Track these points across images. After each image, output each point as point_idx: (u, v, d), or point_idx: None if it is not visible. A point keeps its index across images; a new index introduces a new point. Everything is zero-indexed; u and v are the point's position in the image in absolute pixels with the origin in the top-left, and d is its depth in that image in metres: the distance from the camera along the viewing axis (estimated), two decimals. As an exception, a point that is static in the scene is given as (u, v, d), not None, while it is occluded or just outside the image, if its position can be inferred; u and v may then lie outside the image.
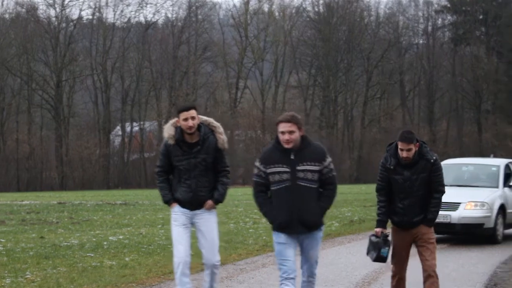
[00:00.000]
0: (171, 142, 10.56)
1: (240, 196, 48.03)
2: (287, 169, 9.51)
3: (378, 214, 10.85)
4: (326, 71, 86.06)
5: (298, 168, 9.49)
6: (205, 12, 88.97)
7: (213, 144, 10.58)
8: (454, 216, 20.06)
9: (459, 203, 20.33)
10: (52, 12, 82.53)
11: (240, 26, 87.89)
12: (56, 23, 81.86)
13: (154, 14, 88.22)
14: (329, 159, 9.74)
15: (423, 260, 10.63)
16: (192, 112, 10.44)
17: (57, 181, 76.86)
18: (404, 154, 10.35)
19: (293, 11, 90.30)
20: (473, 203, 20.23)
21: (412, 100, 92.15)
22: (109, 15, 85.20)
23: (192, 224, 10.82)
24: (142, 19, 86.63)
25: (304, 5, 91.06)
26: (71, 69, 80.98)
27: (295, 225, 9.52)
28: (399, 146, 10.40)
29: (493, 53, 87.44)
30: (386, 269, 15.41)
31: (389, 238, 10.74)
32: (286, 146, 9.46)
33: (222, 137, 10.67)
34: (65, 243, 19.53)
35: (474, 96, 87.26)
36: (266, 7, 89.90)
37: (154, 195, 43.71)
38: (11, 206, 38.05)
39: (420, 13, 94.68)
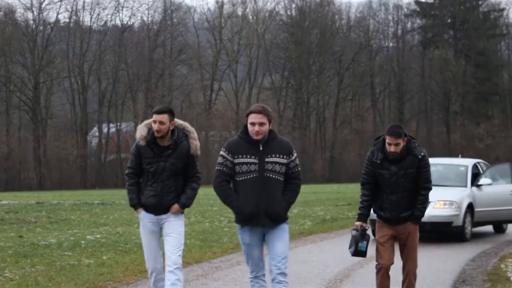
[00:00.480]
0: (142, 143, 10.05)
1: (215, 195, 47.84)
2: (255, 160, 9.20)
3: (360, 208, 10.46)
4: (298, 74, 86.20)
5: (267, 159, 9.21)
6: (180, 15, 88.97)
7: (185, 150, 10.08)
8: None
9: (429, 202, 20.38)
10: (29, 15, 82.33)
11: (214, 30, 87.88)
12: (33, 26, 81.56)
13: (130, 17, 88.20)
14: (295, 154, 9.48)
15: (406, 260, 10.40)
16: (163, 117, 9.95)
17: (35, 181, 76.59)
18: (392, 148, 9.95)
19: (266, 14, 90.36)
20: (442, 202, 20.30)
21: (382, 101, 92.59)
22: (86, 19, 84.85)
23: (161, 229, 10.27)
24: (118, 22, 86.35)
25: (277, 9, 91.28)
26: (48, 71, 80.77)
27: (261, 217, 9.20)
28: (387, 141, 10.01)
29: (461, 56, 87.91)
30: (357, 267, 15.51)
31: (369, 232, 10.51)
32: (255, 137, 9.16)
33: (195, 143, 10.18)
34: (44, 242, 19.45)
35: (442, 98, 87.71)
36: (240, 11, 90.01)
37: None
38: (-11, 206, 37.82)
39: (390, 17, 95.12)
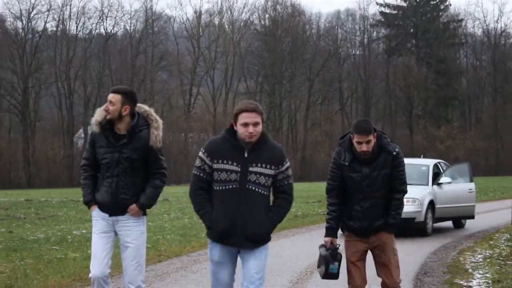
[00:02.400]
0: (96, 129, 8.22)
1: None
2: (237, 168, 7.30)
3: (327, 220, 8.46)
4: (271, 79, 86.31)
5: (251, 169, 7.32)
6: (160, 24, 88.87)
7: (143, 140, 8.18)
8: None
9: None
10: (19, 24, 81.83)
11: (193, 38, 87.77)
12: (22, 34, 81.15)
13: (113, 26, 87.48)
14: (287, 164, 7.56)
15: (384, 276, 8.48)
16: (113, 97, 8.15)
17: (24, 180, 76.10)
18: (363, 147, 8.07)
19: (242, 24, 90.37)
20: (405, 199, 20.32)
21: (350, 105, 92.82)
22: (72, 27, 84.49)
23: (116, 233, 8.41)
24: (102, 31, 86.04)
25: (251, 19, 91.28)
26: (37, 76, 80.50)
27: (237, 236, 7.34)
28: (356, 139, 8.11)
29: (422, 63, 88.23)
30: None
31: (340, 250, 8.45)
32: (248, 140, 7.28)
33: (156, 133, 8.26)
34: (32, 237, 19.38)
35: (406, 102, 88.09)
36: (216, 21, 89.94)
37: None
38: (-19, 203, 37.62)
39: (357, 27, 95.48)
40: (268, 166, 7.34)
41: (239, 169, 7.27)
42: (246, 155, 7.31)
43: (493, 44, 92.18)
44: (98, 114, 8.21)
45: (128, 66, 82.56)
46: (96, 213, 8.31)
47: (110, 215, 8.25)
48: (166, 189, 54.18)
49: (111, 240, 8.29)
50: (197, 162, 7.46)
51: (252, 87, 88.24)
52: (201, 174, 7.40)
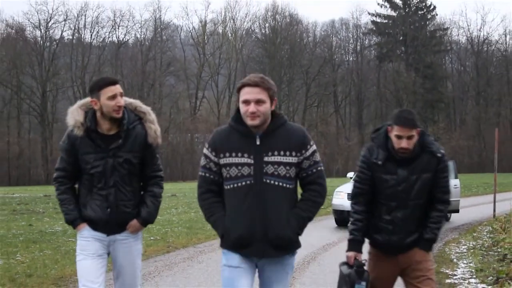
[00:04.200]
0: (79, 132, 6.17)
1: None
2: (250, 160, 5.49)
3: (352, 231, 6.38)
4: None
5: (267, 159, 5.48)
6: (168, 33, 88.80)
7: (140, 138, 6.27)
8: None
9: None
10: (38, 33, 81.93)
11: (198, 45, 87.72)
12: (41, 42, 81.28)
13: (125, 35, 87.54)
14: (312, 147, 5.62)
15: None
16: (119, 89, 6.20)
17: (43, 177, 75.99)
18: (403, 143, 6.14)
19: (243, 32, 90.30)
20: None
21: (344, 108, 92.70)
22: (87, 36, 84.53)
23: (108, 253, 6.38)
24: (115, 39, 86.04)
25: (252, 28, 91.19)
26: (54, 81, 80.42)
27: (257, 243, 5.49)
28: (395, 132, 6.19)
29: (411, 69, 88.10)
30: (322, 250, 15.50)
31: (366, 267, 6.31)
32: (250, 122, 5.45)
33: (154, 127, 6.34)
34: (50, 230, 19.39)
35: (395, 104, 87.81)
36: (220, 29, 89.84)
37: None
38: (3, 199, 37.57)
39: (350, 35, 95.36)
40: (288, 153, 5.48)
41: (252, 161, 5.44)
42: (258, 142, 5.47)
43: (476, 51, 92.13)
44: (77, 113, 6.17)
45: (139, 71, 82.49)
46: (88, 233, 6.22)
47: (108, 234, 6.23)
48: (174, 186, 54.12)
49: (105, 264, 6.31)
50: (202, 161, 5.67)
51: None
52: (207, 174, 5.60)
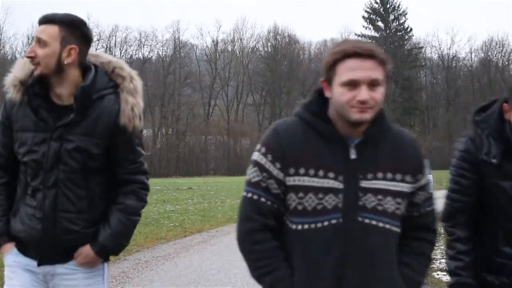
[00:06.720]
0: (15, 95, 3.31)
1: (212, 183, 47.81)
2: (339, 185, 2.64)
3: (456, 270, 3.33)
4: (273, 94, 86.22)
5: (366, 184, 2.66)
6: (186, 51, 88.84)
7: (108, 115, 3.29)
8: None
9: None
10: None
11: (211, 61, 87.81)
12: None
13: (149, 52, 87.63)
14: (427, 172, 2.85)
15: None
16: (44, 31, 3.20)
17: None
18: None
19: (249, 50, 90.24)
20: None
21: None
22: (117, 53, 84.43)
23: None
24: (140, 56, 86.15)
25: (257, 46, 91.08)
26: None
27: None
28: None
29: (391, 81, 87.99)
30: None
31: None
32: (357, 116, 2.59)
33: (132, 100, 3.36)
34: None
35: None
36: (230, 48, 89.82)
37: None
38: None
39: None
40: (399, 177, 2.74)
41: (342, 185, 2.67)
42: (353, 155, 2.70)
43: (446, 66, 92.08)
44: (19, 68, 3.38)
45: (161, 83, 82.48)
46: (13, 259, 3.41)
47: (40, 264, 3.38)
48: (190, 180, 53.99)
49: None
50: (252, 174, 2.75)
51: (257, 100, 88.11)
52: (263, 199, 2.72)
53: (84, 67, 3.36)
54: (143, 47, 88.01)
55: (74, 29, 3.27)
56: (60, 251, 3.37)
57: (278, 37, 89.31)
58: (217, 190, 35.37)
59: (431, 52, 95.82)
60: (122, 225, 3.42)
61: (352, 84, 2.61)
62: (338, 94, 2.64)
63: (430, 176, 3.01)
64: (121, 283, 9.73)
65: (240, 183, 42.32)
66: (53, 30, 3.23)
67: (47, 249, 3.35)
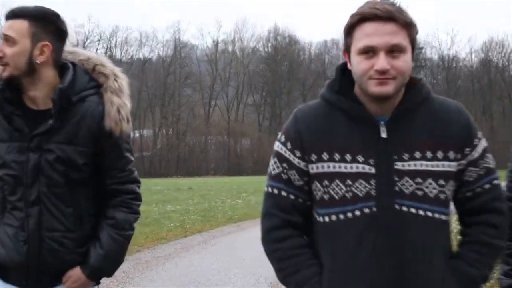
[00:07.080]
0: None
1: (212, 183, 47.78)
2: (370, 169, 2.30)
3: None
4: (273, 94, 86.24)
5: (401, 166, 2.29)
6: (186, 51, 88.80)
7: (91, 119, 2.93)
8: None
9: None
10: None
11: (211, 62, 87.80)
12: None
13: (149, 52, 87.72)
14: (482, 141, 2.42)
15: None
16: (12, 26, 2.81)
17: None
18: None
19: (250, 51, 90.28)
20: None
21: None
22: (117, 53, 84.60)
23: None
24: (141, 56, 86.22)
25: (257, 47, 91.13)
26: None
27: None
28: None
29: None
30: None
31: None
32: (377, 89, 2.25)
33: (118, 101, 3.10)
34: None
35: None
36: (230, 48, 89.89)
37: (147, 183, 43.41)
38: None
39: (340, 53, 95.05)
40: (440, 154, 2.35)
41: (374, 170, 2.32)
42: (384, 134, 2.34)
43: (446, 67, 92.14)
44: None
45: (161, 84, 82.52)
46: None
47: None
48: (190, 180, 54.10)
49: None
50: (272, 166, 2.49)
51: (257, 100, 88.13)
52: (284, 193, 2.46)
53: (61, 66, 3.02)
54: (144, 47, 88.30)
55: (46, 24, 2.91)
56: (47, 275, 2.99)
57: (278, 37, 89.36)
58: (218, 190, 35.36)
59: (432, 53, 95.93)
60: (114, 242, 3.08)
61: (370, 52, 2.29)
62: (355, 63, 2.34)
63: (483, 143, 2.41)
64: (121, 283, 9.73)
65: (240, 183, 42.29)
66: (21, 25, 2.84)
67: (32, 274, 2.96)
